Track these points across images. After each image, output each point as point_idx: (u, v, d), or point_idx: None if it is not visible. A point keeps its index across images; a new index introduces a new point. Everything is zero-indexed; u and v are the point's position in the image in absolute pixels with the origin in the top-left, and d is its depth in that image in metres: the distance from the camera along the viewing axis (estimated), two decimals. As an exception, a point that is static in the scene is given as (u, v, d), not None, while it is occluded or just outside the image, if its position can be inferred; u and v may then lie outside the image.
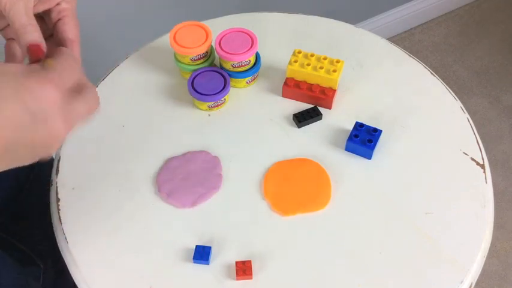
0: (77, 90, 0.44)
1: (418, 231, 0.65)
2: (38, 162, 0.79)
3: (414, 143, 0.73)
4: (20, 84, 0.39)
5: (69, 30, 0.56)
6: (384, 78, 0.81)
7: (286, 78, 0.78)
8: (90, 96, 0.45)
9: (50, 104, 0.40)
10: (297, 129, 0.75)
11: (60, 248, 0.65)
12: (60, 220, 0.66)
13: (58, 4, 0.55)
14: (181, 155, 0.72)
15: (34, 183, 0.77)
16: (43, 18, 0.57)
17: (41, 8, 0.54)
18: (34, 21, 0.50)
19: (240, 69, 0.78)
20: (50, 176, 0.83)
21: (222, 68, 0.79)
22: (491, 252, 1.41)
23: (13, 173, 0.73)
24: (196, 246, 0.62)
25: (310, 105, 0.78)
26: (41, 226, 0.83)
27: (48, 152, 0.42)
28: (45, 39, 0.53)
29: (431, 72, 0.82)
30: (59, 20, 0.56)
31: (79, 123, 0.44)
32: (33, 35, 0.49)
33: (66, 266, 0.64)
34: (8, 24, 0.54)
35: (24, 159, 0.42)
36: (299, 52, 0.77)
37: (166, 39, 0.86)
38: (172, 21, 0.86)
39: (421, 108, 0.77)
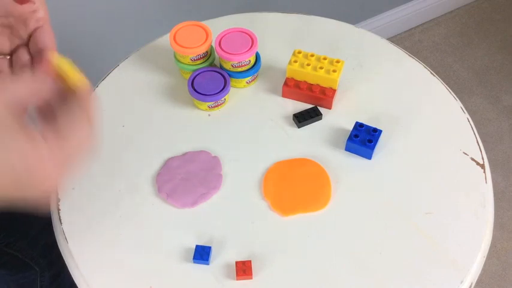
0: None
1: (418, 231, 0.65)
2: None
3: (414, 143, 0.73)
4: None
5: (48, 39, 0.55)
6: (384, 78, 0.81)
7: (286, 78, 0.78)
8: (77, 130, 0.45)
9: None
10: (297, 129, 0.75)
11: (60, 248, 0.65)
12: (60, 220, 0.66)
13: (35, 12, 0.54)
14: (181, 155, 0.72)
15: None
16: (13, 29, 0.55)
17: (18, 10, 0.53)
18: None
19: (240, 69, 0.78)
20: None
21: (222, 68, 0.79)
22: (491, 252, 1.41)
23: None
24: (196, 246, 0.62)
25: (310, 105, 0.78)
26: (29, 231, 0.83)
27: (35, 182, 0.43)
28: (18, 48, 0.53)
29: (431, 72, 0.82)
30: (36, 29, 0.55)
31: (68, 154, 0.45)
32: None
33: (61, 268, 0.64)
34: None
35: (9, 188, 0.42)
36: (299, 52, 0.77)
37: (166, 39, 0.86)
38: (172, 21, 0.86)
39: (421, 108, 0.77)
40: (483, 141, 0.74)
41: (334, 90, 0.76)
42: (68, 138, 0.45)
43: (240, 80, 0.79)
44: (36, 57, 0.55)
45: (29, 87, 0.45)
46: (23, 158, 0.42)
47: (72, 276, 0.62)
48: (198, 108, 0.78)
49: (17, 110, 0.44)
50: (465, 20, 1.95)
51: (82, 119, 0.46)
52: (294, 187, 0.68)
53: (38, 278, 0.88)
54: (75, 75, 0.47)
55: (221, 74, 0.77)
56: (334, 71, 0.75)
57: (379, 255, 0.63)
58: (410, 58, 0.84)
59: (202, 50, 0.76)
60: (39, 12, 0.55)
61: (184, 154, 0.72)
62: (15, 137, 0.42)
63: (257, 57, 0.80)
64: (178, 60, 0.79)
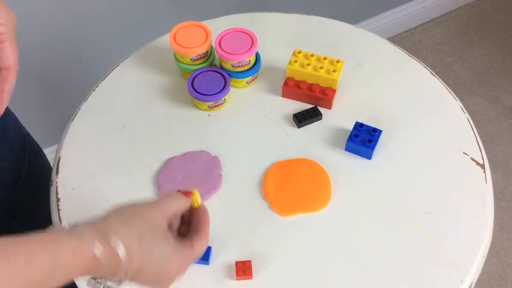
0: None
1: (418, 231, 0.65)
2: (30, 156, 0.79)
3: (414, 143, 0.73)
4: (174, 250, 0.48)
5: (6, 57, 0.54)
6: (384, 78, 0.81)
7: (286, 78, 0.78)
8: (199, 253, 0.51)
9: (177, 275, 0.49)
10: (297, 129, 0.75)
11: (60, 248, 0.65)
12: (60, 220, 0.66)
13: None
14: (181, 155, 0.72)
15: (28, 181, 0.77)
16: None
17: None
18: None
19: (240, 69, 0.78)
20: (42, 172, 0.83)
21: (222, 68, 0.79)
22: (491, 252, 1.41)
23: (7, 169, 0.73)
24: (196, 246, 0.62)
25: (310, 105, 0.78)
26: (38, 223, 0.83)
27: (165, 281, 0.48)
28: None
29: (431, 72, 0.82)
30: None
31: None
32: None
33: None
34: None
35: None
36: (299, 52, 0.77)
37: (166, 39, 0.86)
38: (172, 21, 0.86)
39: (421, 108, 0.77)
40: (483, 141, 0.74)
41: (334, 90, 0.76)
42: (196, 248, 0.51)
43: (240, 80, 0.79)
44: None
45: (181, 205, 0.51)
46: (179, 268, 0.49)
47: (72, 276, 0.62)
48: (198, 108, 0.78)
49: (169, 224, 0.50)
50: (465, 20, 1.95)
51: (205, 230, 0.52)
52: (294, 187, 0.68)
53: None
54: (197, 197, 0.53)
55: (221, 74, 0.77)
56: (334, 71, 0.75)
57: (379, 255, 0.63)
58: (410, 58, 0.84)
59: (202, 50, 0.76)
60: (1, 27, 0.53)
61: (184, 154, 0.72)
62: (173, 248, 0.48)
63: (257, 57, 0.80)
64: (178, 60, 0.79)
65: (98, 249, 0.42)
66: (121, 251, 0.43)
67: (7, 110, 0.76)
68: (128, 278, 0.45)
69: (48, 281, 0.41)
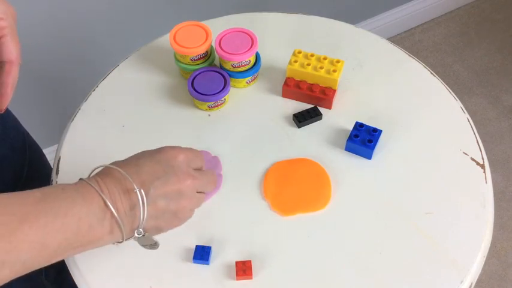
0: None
1: (418, 231, 0.65)
2: (30, 155, 0.79)
3: (414, 143, 0.73)
4: (155, 150, 0.54)
5: (9, 51, 0.54)
6: (383, 78, 0.81)
7: (286, 78, 0.78)
8: (210, 174, 0.57)
9: (176, 162, 0.53)
10: (297, 129, 0.75)
11: (60, 248, 0.65)
12: (60, 220, 0.66)
13: None
14: (181, 155, 0.72)
15: (28, 181, 0.77)
16: None
17: None
18: None
19: (240, 69, 0.78)
20: (42, 172, 0.83)
21: (222, 68, 0.79)
22: (491, 252, 1.41)
23: (8, 168, 0.73)
24: (196, 246, 0.62)
25: (310, 105, 0.78)
26: None
27: (182, 204, 0.53)
28: None
29: (431, 72, 0.82)
30: None
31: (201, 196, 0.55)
32: None
33: (66, 265, 0.64)
34: None
35: (165, 214, 0.52)
36: (299, 52, 0.77)
37: (166, 39, 0.86)
38: (172, 21, 0.86)
39: (421, 108, 0.77)
40: (483, 141, 0.74)
41: (334, 90, 0.76)
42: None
43: (240, 80, 0.79)
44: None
45: (200, 156, 0.56)
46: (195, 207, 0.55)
47: (72, 276, 0.62)
48: (198, 108, 0.78)
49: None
50: (465, 20, 1.95)
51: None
52: (294, 187, 0.68)
53: (43, 272, 0.88)
54: None
55: (221, 74, 0.77)
56: (334, 71, 0.75)
57: (379, 255, 0.63)
58: (410, 58, 0.84)
59: (202, 50, 0.76)
60: (1, 21, 0.53)
61: (184, 154, 0.72)
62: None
63: (257, 57, 0.80)
64: (178, 60, 0.79)
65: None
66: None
67: (7, 109, 0.76)
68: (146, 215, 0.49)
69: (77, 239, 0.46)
